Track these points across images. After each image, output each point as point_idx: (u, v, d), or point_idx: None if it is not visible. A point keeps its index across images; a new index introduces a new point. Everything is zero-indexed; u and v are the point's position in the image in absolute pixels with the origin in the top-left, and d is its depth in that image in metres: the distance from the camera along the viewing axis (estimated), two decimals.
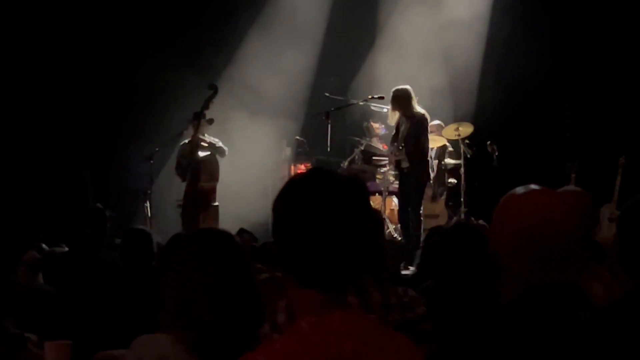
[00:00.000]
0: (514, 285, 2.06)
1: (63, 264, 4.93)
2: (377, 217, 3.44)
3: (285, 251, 1.85)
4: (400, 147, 9.25)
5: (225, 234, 2.75)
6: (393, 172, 10.63)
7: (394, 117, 9.37)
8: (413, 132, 9.18)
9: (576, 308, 2.03)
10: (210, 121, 9.76)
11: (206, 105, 9.58)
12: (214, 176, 9.72)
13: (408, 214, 9.33)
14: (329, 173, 1.87)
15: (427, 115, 9.29)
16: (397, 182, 10.65)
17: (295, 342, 1.77)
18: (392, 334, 1.96)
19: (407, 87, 9.32)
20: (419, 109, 9.24)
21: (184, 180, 9.69)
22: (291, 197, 1.85)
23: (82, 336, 3.40)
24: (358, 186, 1.88)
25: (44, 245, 6.35)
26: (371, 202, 6.36)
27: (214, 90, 9.66)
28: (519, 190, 2.14)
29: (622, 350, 2.04)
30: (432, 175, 9.62)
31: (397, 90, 9.28)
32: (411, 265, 7.94)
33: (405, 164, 9.25)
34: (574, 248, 2.05)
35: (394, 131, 9.46)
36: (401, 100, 9.22)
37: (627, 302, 2.29)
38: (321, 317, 1.80)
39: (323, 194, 1.82)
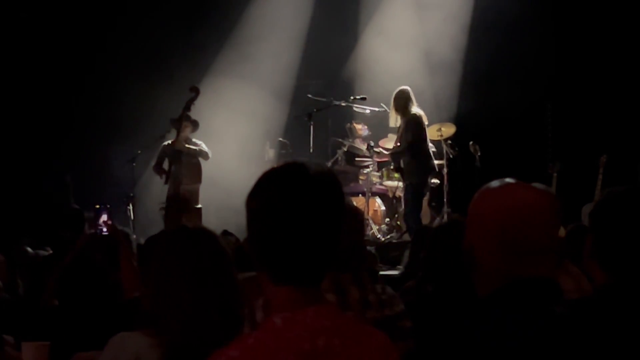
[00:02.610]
0: (488, 279, 2.05)
1: (45, 267, 4.91)
2: (357, 215, 3.43)
3: (258, 247, 1.84)
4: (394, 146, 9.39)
5: (205, 231, 2.71)
6: (376, 173, 10.66)
7: (392, 119, 9.45)
8: (404, 133, 9.21)
9: (551, 301, 2.03)
10: (195, 124, 9.75)
11: (187, 108, 9.58)
12: (196, 178, 9.70)
13: None
14: (302, 167, 1.85)
15: (421, 116, 9.29)
16: (380, 182, 10.71)
17: (268, 337, 1.77)
18: (368, 330, 1.96)
19: (406, 88, 9.38)
20: (414, 110, 9.27)
21: (166, 182, 9.66)
22: (264, 191, 1.84)
23: (60, 337, 3.39)
24: (331, 180, 1.87)
25: (29, 249, 6.33)
26: (354, 203, 6.35)
27: (196, 92, 9.66)
28: (494, 183, 2.14)
29: (598, 343, 2.04)
30: (430, 176, 9.64)
31: (395, 92, 9.37)
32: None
33: (403, 165, 9.34)
34: (548, 241, 2.05)
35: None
36: (398, 101, 9.30)
37: (603, 296, 2.30)
38: (295, 312, 1.80)
39: (296, 188, 1.81)
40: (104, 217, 4.27)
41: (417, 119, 9.24)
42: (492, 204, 2.07)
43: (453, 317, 2.07)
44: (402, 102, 9.27)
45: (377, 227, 10.42)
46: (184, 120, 9.58)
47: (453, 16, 11.66)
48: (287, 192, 1.80)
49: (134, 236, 6.35)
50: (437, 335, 2.05)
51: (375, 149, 10.25)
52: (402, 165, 9.39)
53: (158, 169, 9.82)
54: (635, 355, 2.10)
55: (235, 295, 2.60)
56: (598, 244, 2.33)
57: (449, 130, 10.53)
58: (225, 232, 7.20)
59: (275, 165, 1.90)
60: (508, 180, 2.13)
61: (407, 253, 5.94)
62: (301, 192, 1.80)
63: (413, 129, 9.21)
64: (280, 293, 1.83)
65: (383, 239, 10.13)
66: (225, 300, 2.56)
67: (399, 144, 9.43)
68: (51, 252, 5.82)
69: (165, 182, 9.62)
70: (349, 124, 11.24)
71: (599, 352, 2.03)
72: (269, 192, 1.82)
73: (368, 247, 5.23)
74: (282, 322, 1.79)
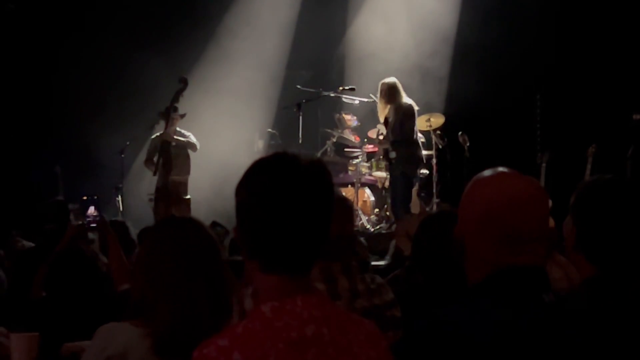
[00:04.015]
0: (478, 267, 2.05)
1: (31, 259, 4.89)
2: (346, 205, 3.43)
3: (248, 236, 1.84)
4: (385, 136, 9.39)
5: (194, 222, 2.72)
6: (366, 164, 10.66)
7: (384, 112, 9.44)
8: (397, 122, 9.22)
9: (540, 290, 2.03)
10: (183, 115, 9.74)
11: (176, 99, 9.56)
12: (185, 169, 9.69)
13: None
14: (291, 157, 1.86)
15: (413, 105, 9.34)
16: (369, 173, 10.70)
17: (257, 326, 1.77)
18: (357, 319, 1.96)
19: (393, 80, 9.41)
20: (405, 99, 9.30)
21: (155, 174, 9.65)
22: (253, 181, 1.84)
23: (49, 328, 3.39)
24: (321, 170, 1.87)
25: (23, 241, 6.32)
26: (344, 194, 6.35)
27: (184, 83, 9.64)
28: (487, 172, 2.13)
29: (587, 333, 2.05)
30: (418, 167, 9.67)
31: (383, 84, 9.38)
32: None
33: (392, 155, 9.34)
34: (538, 230, 2.05)
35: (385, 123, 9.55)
36: (388, 92, 9.31)
37: (590, 287, 2.31)
38: (284, 301, 1.80)
39: (285, 178, 1.81)
40: (91, 209, 4.27)
41: (407, 109, 9.26)
42: (483, 193, 2.07)
43: (442, 307, 2.07)
44: (393, 93, 9.28)
45: (367, 218, 10.43)
46: (172, 112, 9.57)
47: (443, 7, 11.66)
48: (276, 182, 1.81)
49: None
50: (425, 325, 2.05)
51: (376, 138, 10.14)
52: (390, 155, 9.38)
53: (149, 164, 9.81)
54: (626, 345, 2.11)
55: (224, 285, 2.61)
56: (581, 235, 2.33)
57: (438, 120, 10.53)
58: (215, 223, 7.20)
59: (264, 156, 1.91)
60: (501, 169, 2.12)
61: (393, 243, 5.94)
62: (291, 182, 1.81)
63: (403, 118, 9.22)
64: (269, 282, 1.84)
65: (372, 230, 10.15)
66: (214, 290, 2.56)
67: (385, 134, 9.45)
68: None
69: (155, 174, 9.61)
70: (338, 115, 11.24)
71: (587, 341, 2.03)
72: (258, 182, 1.83)
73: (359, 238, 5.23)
74: (271, 311, 1.79)
